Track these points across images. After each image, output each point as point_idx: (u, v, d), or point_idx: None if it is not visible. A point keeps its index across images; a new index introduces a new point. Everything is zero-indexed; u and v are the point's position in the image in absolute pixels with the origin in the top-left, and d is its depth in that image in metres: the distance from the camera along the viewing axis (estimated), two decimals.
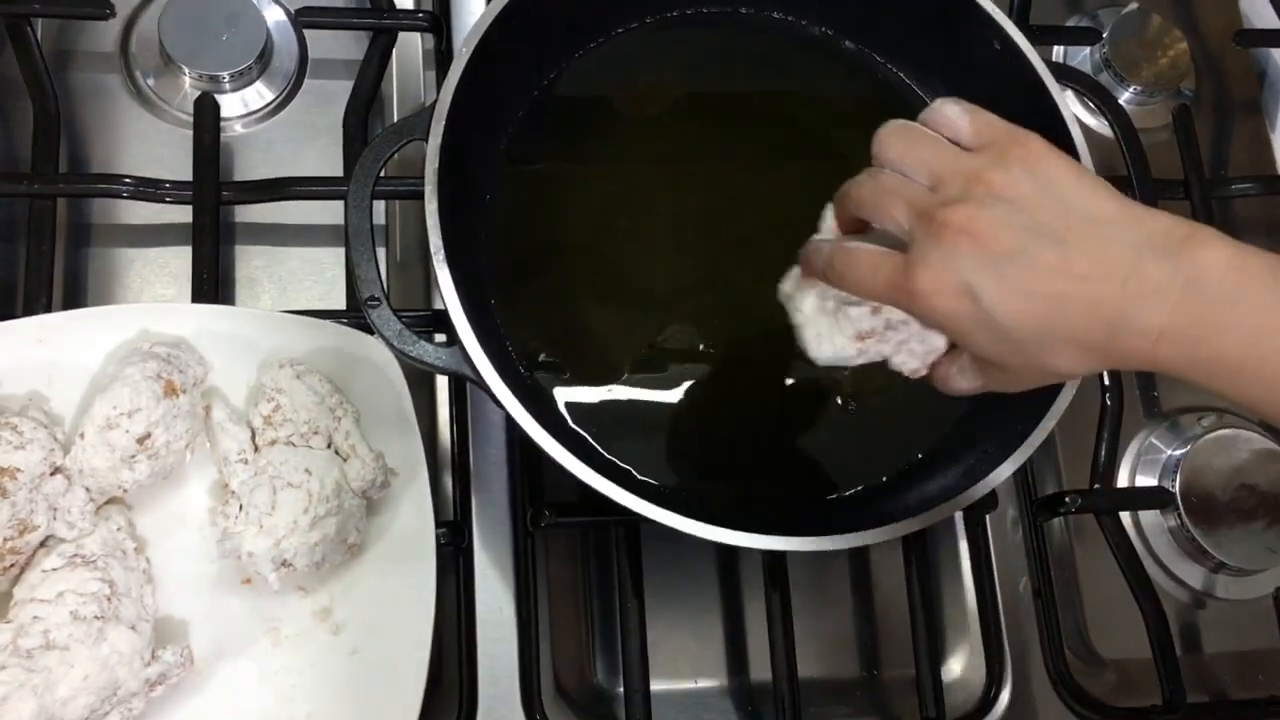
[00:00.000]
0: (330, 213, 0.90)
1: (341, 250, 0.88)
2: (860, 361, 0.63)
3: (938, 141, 0.56)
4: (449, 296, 0.69)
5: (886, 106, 0.87)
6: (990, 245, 0.51)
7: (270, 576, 0.70)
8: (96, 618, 0.65)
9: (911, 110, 0.87)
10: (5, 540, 0.65)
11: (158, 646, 0.67)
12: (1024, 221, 0.52)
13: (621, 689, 0.79)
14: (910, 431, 0.80)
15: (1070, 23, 1.08)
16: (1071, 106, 0.81)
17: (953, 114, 0.57)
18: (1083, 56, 1.06)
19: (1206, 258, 0.50)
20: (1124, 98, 1.03)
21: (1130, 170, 0.90)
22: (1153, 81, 1.04)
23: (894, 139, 0.57)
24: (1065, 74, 0.89)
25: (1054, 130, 0.80)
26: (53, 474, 0.68)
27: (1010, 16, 0.82)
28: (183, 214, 0.83)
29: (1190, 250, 0.50)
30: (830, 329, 0.63)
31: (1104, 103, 0.91)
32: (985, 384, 0.60)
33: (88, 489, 0.69)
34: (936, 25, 0.84)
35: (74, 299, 0.84)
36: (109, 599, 0.66)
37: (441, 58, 0.90)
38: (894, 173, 0.57)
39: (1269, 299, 0.49)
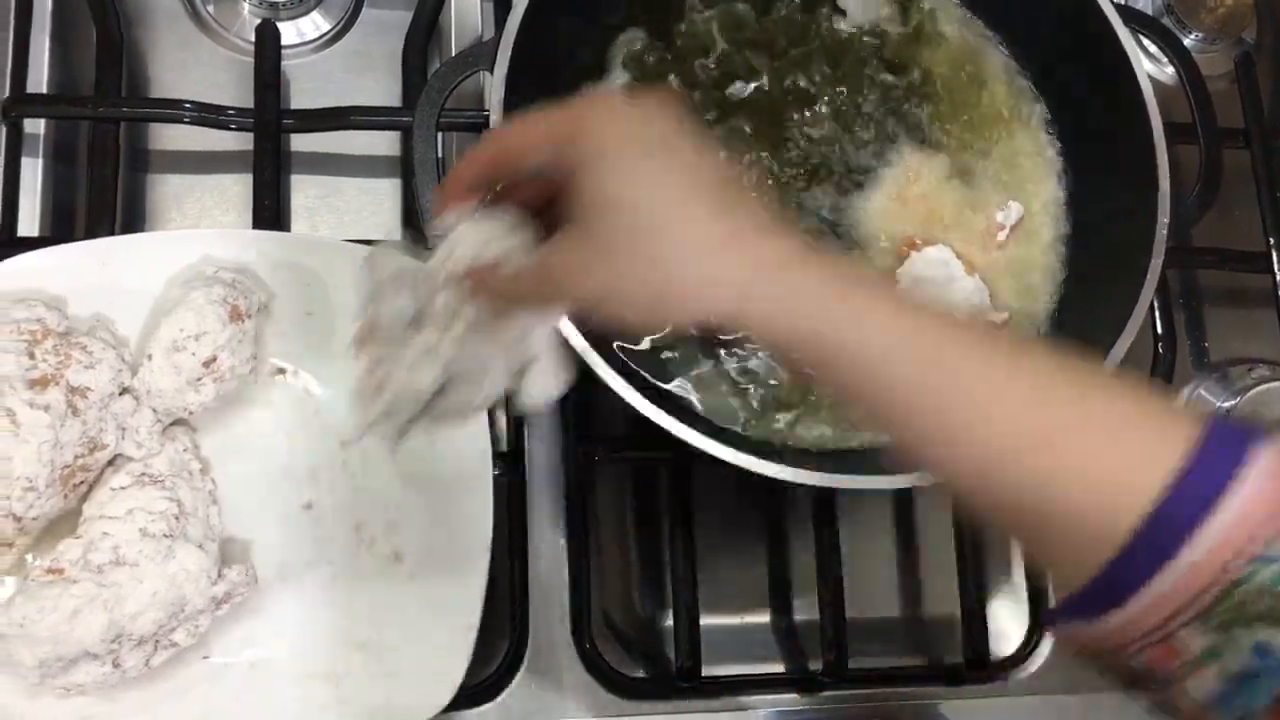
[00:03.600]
0: (387, 144, 0.90)
1: (398, 181, 0.89)
2: None
3: None
4: None
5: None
6: None
7: None
8: (165, 536, 0.66)
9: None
10: (76, 458, 0.66)
11: (223, 566, 0.69)
12: None
13: (667, 622, 0.81)
14: None
15: None
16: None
17: None
18: (1144, 1, 1.04)
19: None
20: (1185, 43, 1.02)
21: (1195, 116, 0.88)
22: (1214, 28, 1.03)
23: None
24: (1132, 17, 0.88)
25: (1120, 74, 0.79)
26: (121, 394, 0.69)
27: None
28: (240, 141, 0.83)
29: None
30: None
31: (1170, 47, 0.90)
32: None
33: (154, 410, 0.70)
34: None
35: (133, 224, 0.85)
36: (177, 518, 0.67)
37: None
38: None
39: None
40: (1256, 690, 0.43)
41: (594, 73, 0.81)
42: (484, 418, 0.74)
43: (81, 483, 0.68)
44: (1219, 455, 0.45)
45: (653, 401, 0.68)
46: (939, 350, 0.48)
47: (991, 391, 0.48)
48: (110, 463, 0.69)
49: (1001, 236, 0.82)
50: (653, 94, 0.53)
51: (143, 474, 0.68)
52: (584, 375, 0.69)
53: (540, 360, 0.56)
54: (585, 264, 0.51)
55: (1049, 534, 0.48)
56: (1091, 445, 0.47)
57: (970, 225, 0.82)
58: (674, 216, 0.49)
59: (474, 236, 0.53)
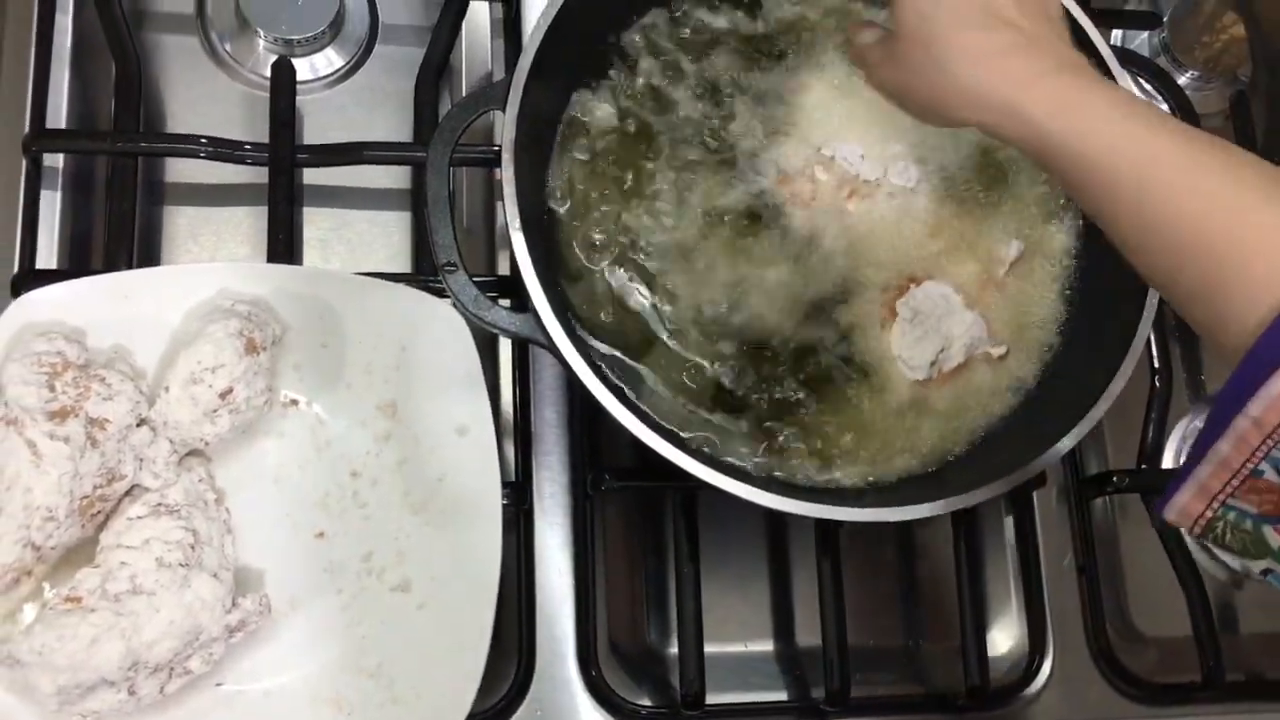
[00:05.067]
0: (395, 178, 0.92)
1: (407, 214, 0.90)
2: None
3: None
4: (524, 266, 0.70)
5: None
6: None
7: None
8: (181, 565, 0.67)
9: None
10: (95, 488, 0.68)
11: (237, 595, 0.70)
12: None
13: (672, 650, 0.82)
14: (968, 412, 0.81)
15: (1130, 6, 1.08)
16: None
17: None
18: (1141, 40, 1.06)
19: None
20: (1181, 82, 1.03)
21: None
22: (1208, 64, 1.04)
23: None
24: (1128, 58, 0.90)
25: None
26: (139, 425, 0.70)
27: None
28: (255, 175, 0.85)
29: None
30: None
31: (1165, 87, 0.91)
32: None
33: (171, 441, 0.71)
34: None
35: (149, 256, 0.86)
36: (192, 547, 0.68)
37: (510, 27, 0.92)
38: None
39: None
40: None
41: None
42: (493, 444, 0.76)
43: (99, 513, 0.69)
44: None
45: (658, 433, 0.70)
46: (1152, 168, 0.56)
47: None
48: (127, 493, 0.70)
49: (1002, 272, 0.83)
50: None
51: (159, 504, 0.70)
52: (591, 407, 0.71)
53: None
54: (885, 61, 0.66)
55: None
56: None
57: (971, 261, 0.83)
58: (952, 28, 0.60)
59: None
